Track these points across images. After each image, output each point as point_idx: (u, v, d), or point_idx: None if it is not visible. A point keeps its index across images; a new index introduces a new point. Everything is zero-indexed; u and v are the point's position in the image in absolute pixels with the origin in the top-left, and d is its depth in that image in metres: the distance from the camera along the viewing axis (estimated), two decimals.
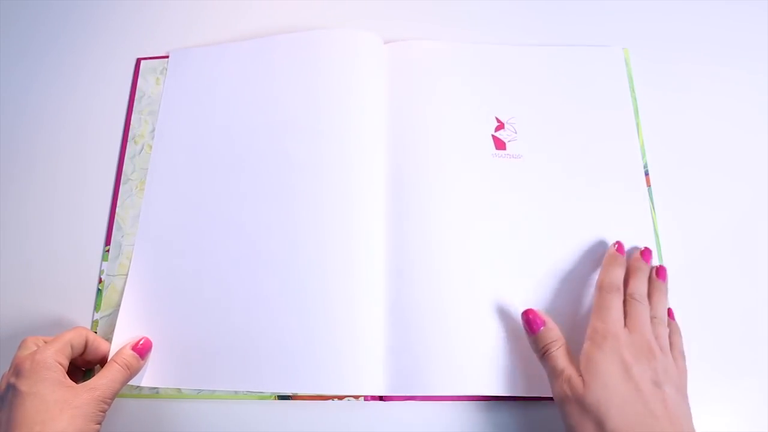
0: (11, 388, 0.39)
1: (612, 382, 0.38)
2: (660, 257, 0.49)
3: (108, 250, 0.51)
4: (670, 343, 0.43)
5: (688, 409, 0.40)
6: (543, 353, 0.41)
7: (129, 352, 0.44)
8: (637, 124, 0.54)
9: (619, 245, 0.47)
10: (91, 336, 0.44)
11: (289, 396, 0.46)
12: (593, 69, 0.56)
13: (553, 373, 0.40)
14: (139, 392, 0.46)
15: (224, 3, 0.62)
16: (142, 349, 0.45)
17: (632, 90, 0.55)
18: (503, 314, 0.46)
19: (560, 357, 0.41)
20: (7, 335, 0.49)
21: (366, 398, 0.45)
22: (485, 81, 0.55)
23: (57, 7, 0.63)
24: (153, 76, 0.58)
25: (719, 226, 0.51)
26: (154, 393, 0.46)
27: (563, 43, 0.57)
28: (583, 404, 0.38)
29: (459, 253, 0.48)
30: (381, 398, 0.45)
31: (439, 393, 0.45)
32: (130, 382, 0.45)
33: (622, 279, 0.45)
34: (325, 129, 0.52)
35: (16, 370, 0.40)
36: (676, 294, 0.48)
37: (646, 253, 0.47)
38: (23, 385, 0.39)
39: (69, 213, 0.53)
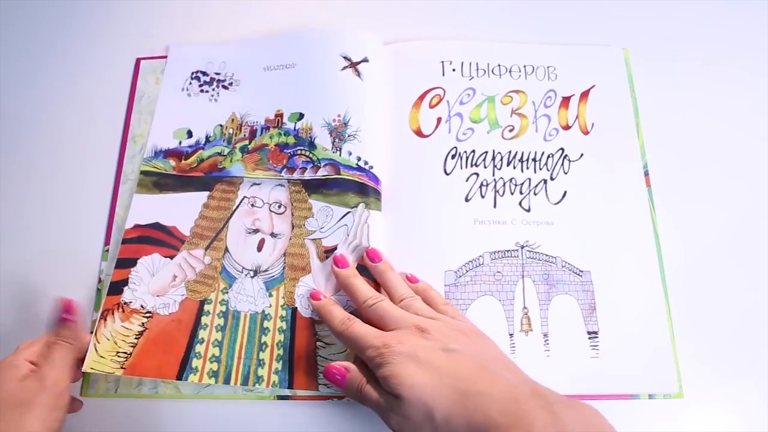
0: None
1: (416, 379, 0.36)
2: (660, 258, 0.49)
3: (107, 250, 0.51)
4: (429, 302, 0.43)
5: (491, 343, 0.41)
6: (358, 397, 0.40)
7: (59, 326, 0.42)
8: (637, 125, 0.54)
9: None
10: (82, 354, 0.44)
11: (288, 396, 0.46)
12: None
13: (377, 408, 0.39)
14: (138, 392, 0.46)
15: (224, 3, 0.62)
16: (68, 310, 0.43)
17: (632, 90, 0.55)
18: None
19: (371, 391, 0.39)
20: (6, 335, 0.49)
21: None
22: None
23: (56, 7, 0.63)
24: (153, 76, 0.58)
25: (719, 226, 0.51)
26: (154, 393, 0.46)
27: (563, 42, 0.57)
28: (409, 416, 0.36)
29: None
30: None
31: None
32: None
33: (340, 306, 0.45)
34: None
35: None
36: (676, 294, 0.48)
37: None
38: None
39: (69, 213, 0.53)
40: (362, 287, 0.44)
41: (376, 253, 0.47)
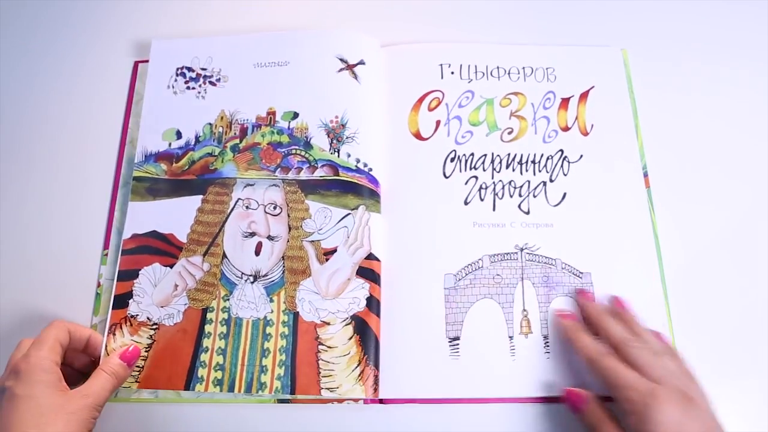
0: (6, 391, 0.39)
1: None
2: (660, 258, 0.49)
3: (106, 254, 0.51)
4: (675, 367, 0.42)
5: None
6: (592, 429, 0.41)
7: (116, 361, 0.44)
8: (636, 125, 0.54)
9: (563, 315, 0.47)
10: (71, 326, 0.44)
11: (288, 399, 0.46)
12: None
13: None
14: (138, 396, 0.46)
15: (222, 5, 0.61)
16: (130, 357, 0.45)
17: (631, 91, 0.55)
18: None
19: (611, 430, 0.40)
20: (5, 339, 0.49)
21: (365, 401, 0.45)
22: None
23: (54, 10, 0.62)
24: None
25: (718, 226, 0.51)
26: (154, 397, 0.46)
27: (562, 43, 0.57)
28: None
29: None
30: (381, 401, 0.45)
31: (435, 396, 0.45)
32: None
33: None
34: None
35: (12, 372, 0.40)
36: (676, 294, 0.48)
37: (582, 294, 0.47)
38: (19, 388, 0.39)
39: (67, 216, 0.53)
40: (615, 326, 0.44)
41: (620, 301, 0.47)
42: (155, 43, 0.57)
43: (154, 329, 0.47)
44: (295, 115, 0.53)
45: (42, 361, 0.40)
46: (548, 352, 0.46)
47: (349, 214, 0.49)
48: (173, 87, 0.56)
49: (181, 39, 0.58)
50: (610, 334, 0.43)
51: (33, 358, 0.40)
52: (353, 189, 0.50)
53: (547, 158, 0.52)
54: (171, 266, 0.49)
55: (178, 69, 0.56)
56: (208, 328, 0.47)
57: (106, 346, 0.46)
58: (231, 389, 0.45)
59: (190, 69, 0.56)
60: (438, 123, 0.53)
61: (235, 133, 0.53)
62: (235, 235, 0.50)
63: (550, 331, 0.47)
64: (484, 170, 0.52)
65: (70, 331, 0.44)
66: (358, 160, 0.51)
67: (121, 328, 0.48)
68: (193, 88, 0.55)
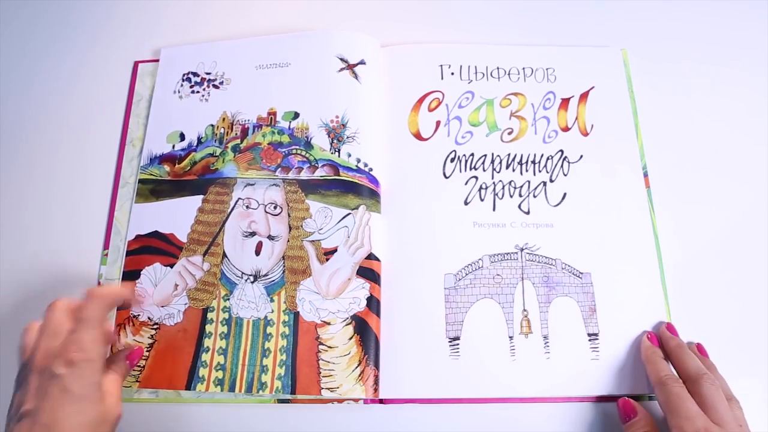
0: (57, 379, 0.36)
1: None
2: (660, 258, 0.49)
3: (107, 254, 0.51)
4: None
5: None
6: None
7: (124, 362, 0.43)
8: (636, 126, 0.54)
9: (651, 335, 0.46)
10: (113, 293, 0.41)
11: (288, 399, 0.46)
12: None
13: None
14: (138, 396, 0.46)
15: (222, 5, 0.61)
16: (134, 358, 0.44)
17: (631, 91, 0.55)
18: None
19: None
20: (5, 339, 0.48)
21: (365, 401, 0.45)
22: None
23: (54, 10, 0.62)
24: (150, 79, 0.57)
25: (718, 226, 0.51)
26: (154, 397, 0.46)
27: (562, 44, 0.57)
28: None
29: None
30: (381, 401, 0.45)
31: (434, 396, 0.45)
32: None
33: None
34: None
35: (65, 360, 0.36)
36: (676, 295, 0.48)
37: (671, 327, 0.47)
38: (75, 385, 0.36)
39: (68, 216, 0.53)
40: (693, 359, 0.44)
41: (703, 348, 0.46)
42: (164, 50, 0.58)
43: (155, 329, 0.47)
44: (296, 115, 0.53)
45: (96, 358, 0.37)
46: (548, 352, 0.46)
47: (350, 213, 0.50)
48: (179, 92, 0.56)
49: (188, 45, 0.58)
50: (687, 366, 0.43)
51: (88, 351, 0.37)
52: (353, 189, 0.50)
53: (547, 158, 0.52)
54: (171, 266, 0.49)
55: (184, 74, 0.57)
56: (208, 327, 0.47)
57: (111, 347, 0.47)
58: (232, 389, 0.45)
59: (195, 74, 0.57)
60: (438, 123, 0.53)
61: (236, 134, 0.54)
62: (236, 234, 0.50)
63: (550, 332, 0.47)
64: (484, 170, 0.52)
65: (114, 300, 0.41)
66: (358, 160, 0.51)
67: (124, 328, 0.48)
68: (197, 92, 0.56)
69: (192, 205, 0.51)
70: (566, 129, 0.53)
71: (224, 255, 0.49)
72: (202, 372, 0.46)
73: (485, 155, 0.52)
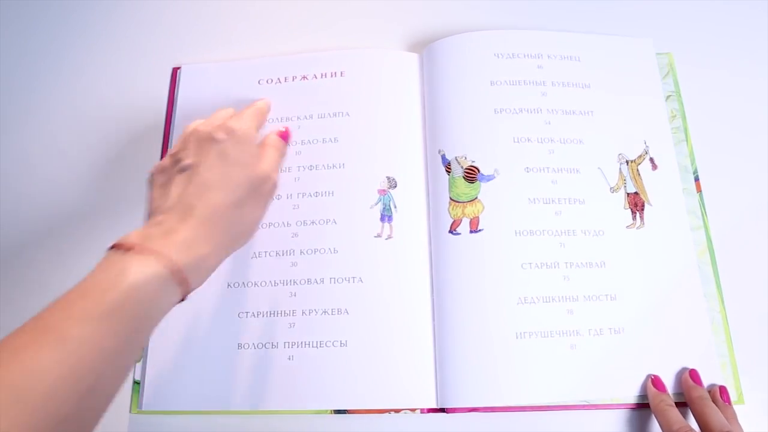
0: (217, 143, 0.40)
1: None
2: (715, 268, 0.49)
3: None
4: None
5: None
6: None
7: (275, 138, 0.46)
8: (685, 129, 0.53)
9: (656, 379, 0.44)
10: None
11: (345, 410, 0.45)
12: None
13: None
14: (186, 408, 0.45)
15: (261, 12, 0.61)
16: (285, 136, 0.48)
17: (678, 95, 0.54)
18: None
19: None
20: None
21: (422, 410, 0.44)
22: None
23: (93, 16, 0.61)
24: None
25: None
26: (201, 409, 0.45)
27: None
28: None
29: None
30: (443, 410, 0.44)
31: (497, 404, 0.44)
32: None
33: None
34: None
35: (224, 130, 0.41)
36: (732, 298, 0.47)
37: (695, 375, 0.44)
38: (234, 150, 0.40)
39: (108, 225, 0.52)
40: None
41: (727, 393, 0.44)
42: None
43: None
44: None
45: (253, 131, 0.44)
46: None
47: None
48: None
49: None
50: (710, 423, 0.40)
51: (246, 124, 0.43)
52: None
53: None
54: None
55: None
56: None
57: None
58: None
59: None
60: None
61: None
62: None
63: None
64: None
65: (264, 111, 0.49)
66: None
67: None
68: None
69: None
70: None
71: None
72: None
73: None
